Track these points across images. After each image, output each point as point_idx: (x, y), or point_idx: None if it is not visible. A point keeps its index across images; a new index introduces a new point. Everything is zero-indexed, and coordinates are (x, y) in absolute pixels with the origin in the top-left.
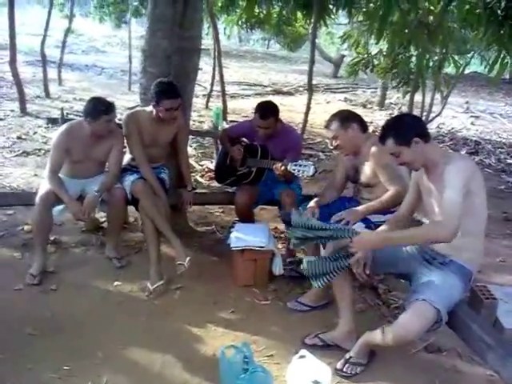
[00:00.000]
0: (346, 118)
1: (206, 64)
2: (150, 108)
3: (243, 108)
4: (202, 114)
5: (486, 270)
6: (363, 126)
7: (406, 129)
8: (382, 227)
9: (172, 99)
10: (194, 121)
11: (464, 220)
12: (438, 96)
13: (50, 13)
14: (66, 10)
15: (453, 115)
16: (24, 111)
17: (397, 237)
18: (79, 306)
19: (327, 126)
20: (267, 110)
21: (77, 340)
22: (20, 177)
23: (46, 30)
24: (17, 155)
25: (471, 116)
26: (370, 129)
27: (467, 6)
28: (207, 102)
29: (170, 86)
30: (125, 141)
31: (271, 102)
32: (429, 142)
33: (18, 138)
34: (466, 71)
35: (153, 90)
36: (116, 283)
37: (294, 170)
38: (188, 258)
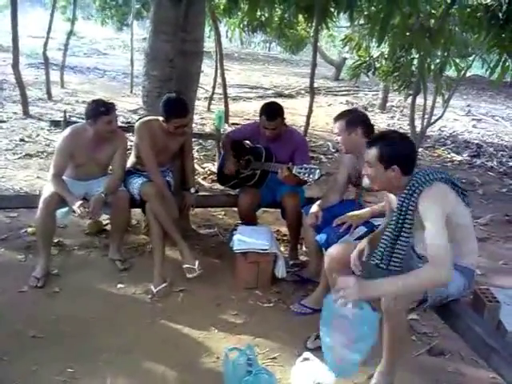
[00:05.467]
0: (352, 122)
1: (207, 67)
2: (162, 118)
3: (245, 110)
4: (203, 116)
5: (488, 273)
6: (368, 131)
7: (395, 154)
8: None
9: (181, 118)
10: (196, 123)
11: (454, 234)
12: (439, 99)
13: (52, 15)
14: (69, 12)
15: (454, 118)
16: (27, 114)
17: (394, 290)
18: (83, 308)
19: (335, 120)
20: (274, 111)
21: (80, 342)
22: (23, 179)
23: (49, 32)
24: (20, 157)
25: (473, 119)
26: None
27: (468, 10)
28: (209, 104)
29: (180, 104)
30: (128, 144)
31: (276, 102)
32: (408, 175)
33: (21, 140)
34: (468, 74)
35: (162, 107)
36: (119, 285)
37: (299, 173)
38: (197, 262)
